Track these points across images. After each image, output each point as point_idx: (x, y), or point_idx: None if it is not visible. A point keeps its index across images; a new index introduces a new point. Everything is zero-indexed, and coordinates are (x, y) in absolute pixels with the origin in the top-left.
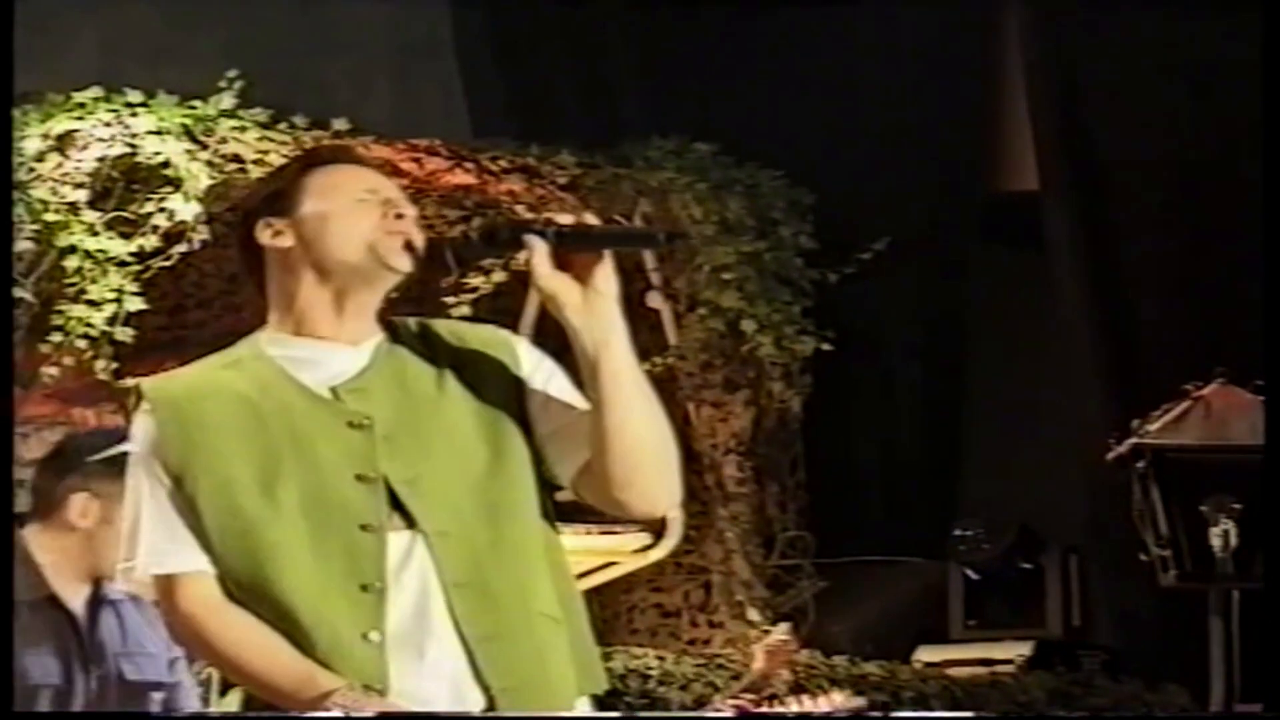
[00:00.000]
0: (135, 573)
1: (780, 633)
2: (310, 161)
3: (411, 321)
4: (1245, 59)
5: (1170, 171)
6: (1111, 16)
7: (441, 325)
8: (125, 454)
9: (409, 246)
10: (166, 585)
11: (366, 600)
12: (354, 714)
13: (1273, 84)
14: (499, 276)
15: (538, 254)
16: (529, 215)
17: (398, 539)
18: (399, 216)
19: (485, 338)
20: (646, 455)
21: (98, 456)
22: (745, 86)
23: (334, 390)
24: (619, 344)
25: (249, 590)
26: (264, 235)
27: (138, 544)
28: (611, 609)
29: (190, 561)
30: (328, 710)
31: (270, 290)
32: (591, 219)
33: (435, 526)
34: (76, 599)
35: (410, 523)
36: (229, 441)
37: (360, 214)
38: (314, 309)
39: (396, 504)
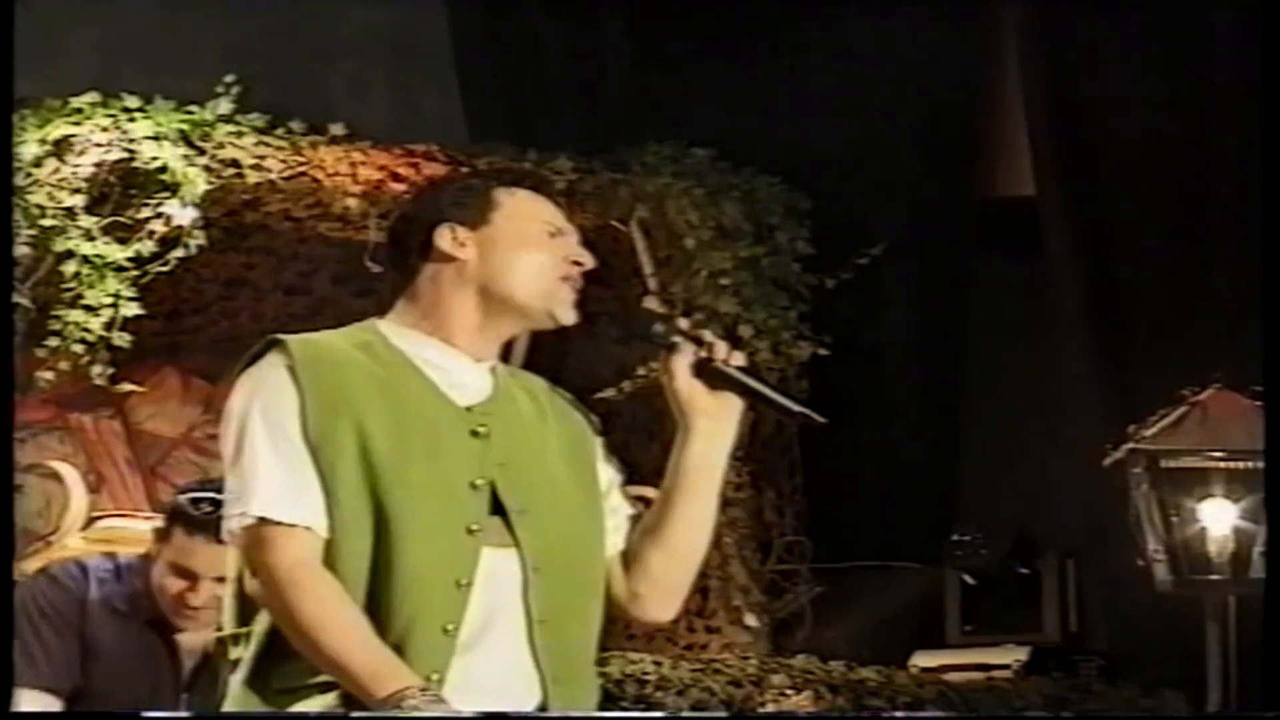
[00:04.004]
0: (245, 519)
1: (802, 698)
2: (501, 178)
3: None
4: (1245, 63)
5: (1168, 176)
6: (1108, 21)
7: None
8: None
9: (578, 298)
10: (270, 536)
11: (456, 596)
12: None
13: (1273, 85)
14: None
15: (681, 361)
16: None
17: (491, 554)
18: (576, 264)
19: (566, 396)
20: (688, 570)
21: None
22: (742, 92)
23: (469, 407)
24: (720, 470)
25: (350, 562)
26: (444, 239)
27: (253, 493)
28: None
29: (308, 516)
30: (395, 706)
31: (415, 287)
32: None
33: (534, 559)
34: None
35: (510, 542)
36: (368, 415)
37: (545, 252)
38: (459, 321)
39: (504, 521)
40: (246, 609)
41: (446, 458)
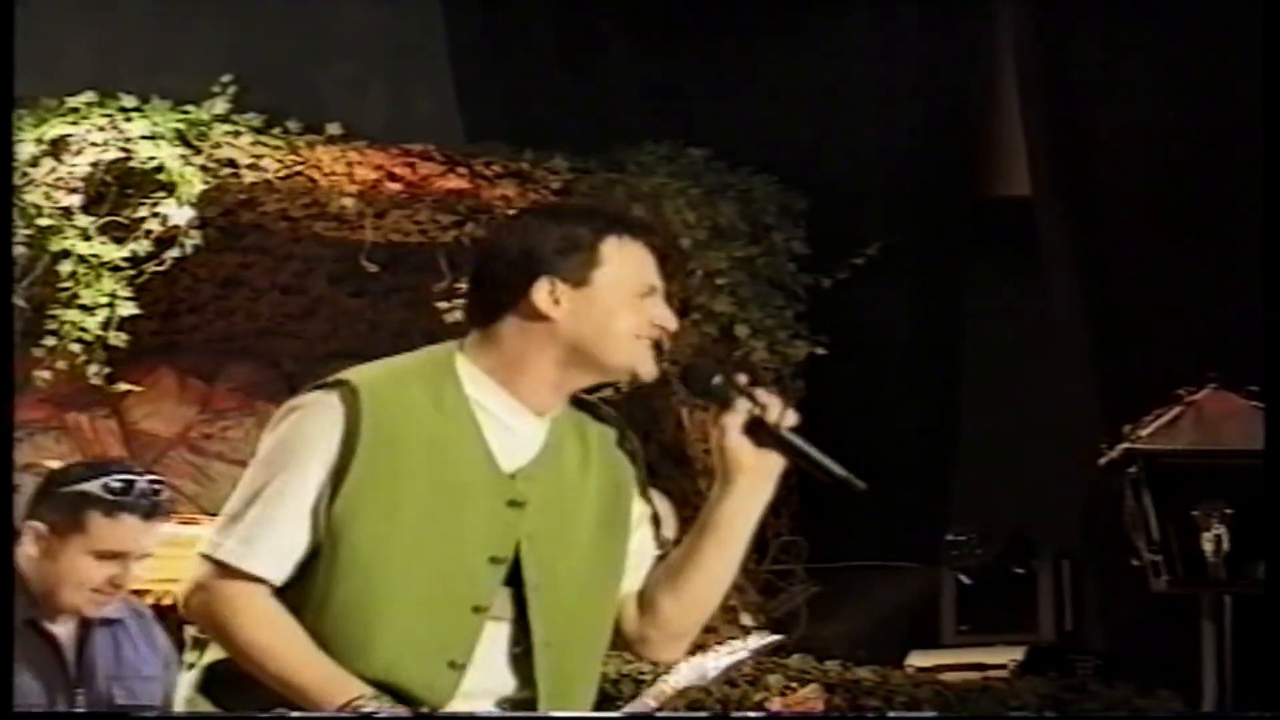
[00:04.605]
0: (218, 552)
1: (809, 691)
2: (609, 226)
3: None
4: (1240, 61)
5: (1164, 176)
6: (1104, 23)
7: (590, 403)
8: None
9: (659, 352)
10: (230, 575)
11: (447, 676)
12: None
13: (1273, 85)
14: None
15: (734, 418)
16: None
17: (495, 627)
18: (659, 324)
19: (618, 429)
20: (701, 619)
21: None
22: (738, 91)
23: (512, 474)
24: (751, 527)
25: (334, 615)
26: (542, 298)
27: (236, 525)
28: None
29: (270, 570)
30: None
31: (499, 330)
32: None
33: (544, 634)
34: (60, 623)
35: (512, 615)
36: (406, 484)
37: (636, 315)
38: (536, 377)
39: (517, 593)
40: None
41: (472, 532)
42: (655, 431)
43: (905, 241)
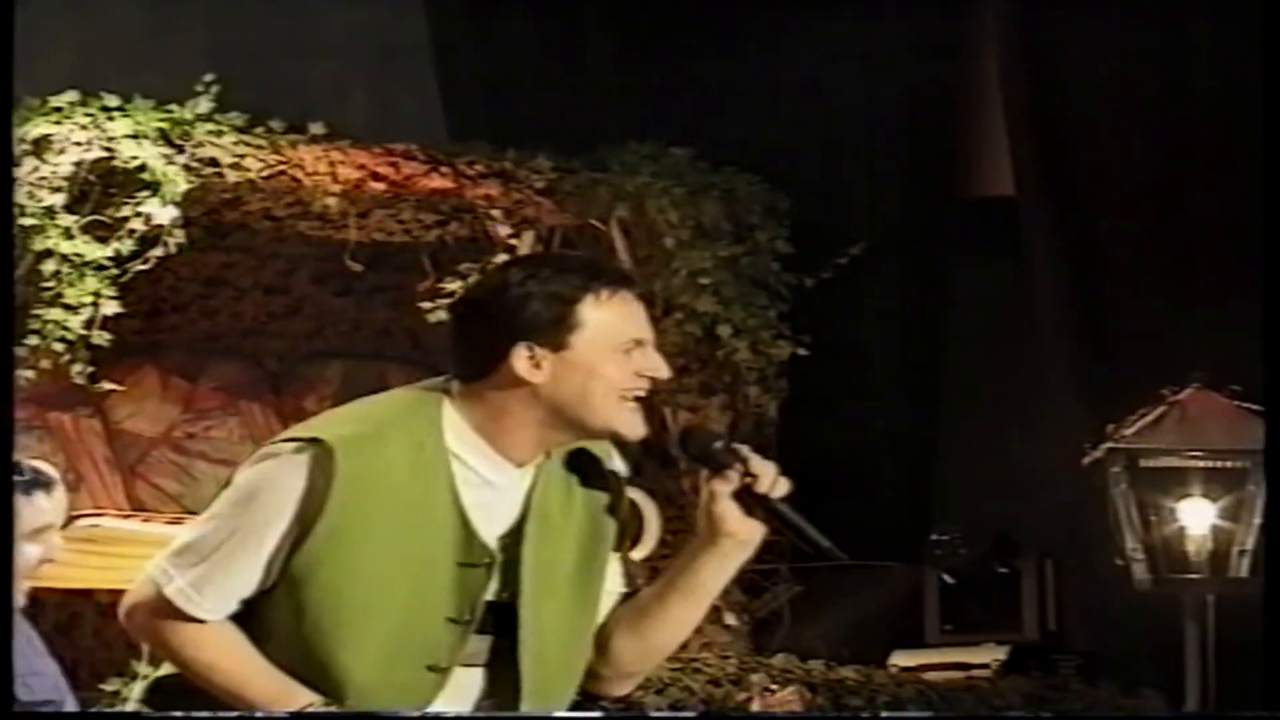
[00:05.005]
0: (168, 588)
1: (788, 694)
2: (588, 283)
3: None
4: (1227, 60)
5: (1148, 176)
6: (1088, 20)
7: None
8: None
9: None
10: (175, 611)
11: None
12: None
13: (1273, 84)
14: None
15: (726, 485)
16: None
17: (471, 675)
18: (648, 375)
19: (604, 468)
20: (654, 663)
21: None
22: (722, 91)
23: (486, 539)
24: (721, 586)
25: (294, 641)
26: (521, 363)
27: (190, 565)
28: None
29: (214, 614)
30: None
31: (482, 386)
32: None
33: (530, 686)
34: None
35: (486, 662)
36: (374, 537)
37: (619, 371)
38: (519, 435)
39: (494, 646)
40: None
41: (432, 591)
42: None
43: (889, 241)
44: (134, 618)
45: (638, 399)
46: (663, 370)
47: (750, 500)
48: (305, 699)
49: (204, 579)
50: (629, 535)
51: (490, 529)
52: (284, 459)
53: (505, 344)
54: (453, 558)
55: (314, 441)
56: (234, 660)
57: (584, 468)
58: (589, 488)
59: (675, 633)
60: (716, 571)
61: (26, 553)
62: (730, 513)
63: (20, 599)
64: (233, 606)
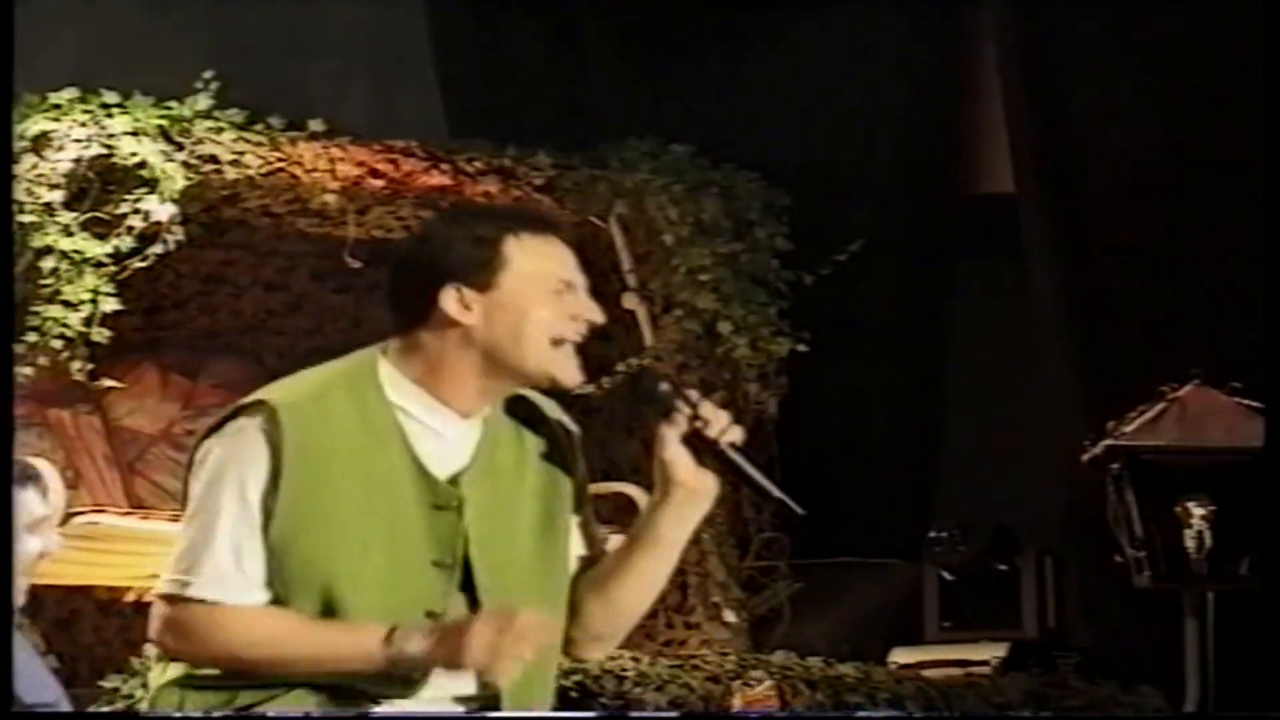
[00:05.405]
0: (189, 590)
1: (765, 689)
2: (509, 225)
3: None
4: (1228, 58)
5: (1147, 172)
6: (1088, 17)
7: (525, 399)
8: None
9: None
10: (208, 613)
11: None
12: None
13: (1273, 83)
14: None
15: (674, 428)
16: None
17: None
18: (582, 319)
19: (554, 426)
20: (626, 624)
21: None
22: (722, 88)
23: (444, 479)
24: (684, 540)
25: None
26: (450, 304)
27: (201, 563)
28: None
29: (252, 595)
30: (397, 646)
31: (418, 338)
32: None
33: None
34: None
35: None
36: (339, 493)
37: (552, 312)
38: (459, 383)
39: (473, 598)
40: None
41: (410, 537)
42: (637, 428)
43: (888, 238)
44: (169, 639)
45: (574, 345)
46: (596, 314)
47: (700, 446)
48: (377, 632)
49: (217, 566)
50: (586, 499)
51: (446, 475)
52: (230, 435)
53: (434, 288)
54: (421, 501)
55: (258, 405)
56: (286, 627)
57: (534, 424)
58: (543, 447)
59: (641, 591)
60: (675, 523)
61: (21, 549)
62: (680, 459)
63: (20, 598)
64: (259, 577)
